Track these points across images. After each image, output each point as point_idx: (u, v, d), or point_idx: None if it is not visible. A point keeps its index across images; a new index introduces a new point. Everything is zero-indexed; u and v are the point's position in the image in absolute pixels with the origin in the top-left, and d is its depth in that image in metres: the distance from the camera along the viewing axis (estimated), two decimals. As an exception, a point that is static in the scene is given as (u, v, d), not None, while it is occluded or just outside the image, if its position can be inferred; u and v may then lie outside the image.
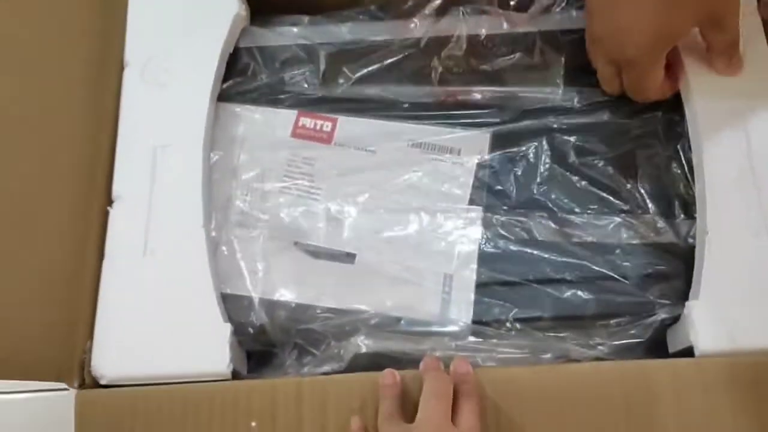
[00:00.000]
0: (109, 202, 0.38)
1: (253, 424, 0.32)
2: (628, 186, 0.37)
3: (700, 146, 0.36)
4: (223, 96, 0.41)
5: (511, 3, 0.41)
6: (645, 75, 0.36)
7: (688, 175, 0.37)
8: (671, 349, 0.36)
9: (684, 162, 0.38)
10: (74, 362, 0.34)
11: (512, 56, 0.40)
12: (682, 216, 0.37)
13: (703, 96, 0.37)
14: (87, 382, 0.34)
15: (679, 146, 0.38)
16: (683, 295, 0.35)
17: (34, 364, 0.33)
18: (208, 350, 0.34)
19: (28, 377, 0.33)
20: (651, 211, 0.37)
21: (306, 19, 0.43)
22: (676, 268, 0.36)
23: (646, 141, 0.38)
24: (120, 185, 0.38)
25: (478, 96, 0.39)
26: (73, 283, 0.36)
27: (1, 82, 0.38)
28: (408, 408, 0.32)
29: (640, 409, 0.32)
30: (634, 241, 0.36)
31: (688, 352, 0.33)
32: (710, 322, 0.33)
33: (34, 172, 0.37)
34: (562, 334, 0.35)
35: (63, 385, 0.34)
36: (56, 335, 0.34)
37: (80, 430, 0.33)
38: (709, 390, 0.32)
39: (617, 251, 0.36)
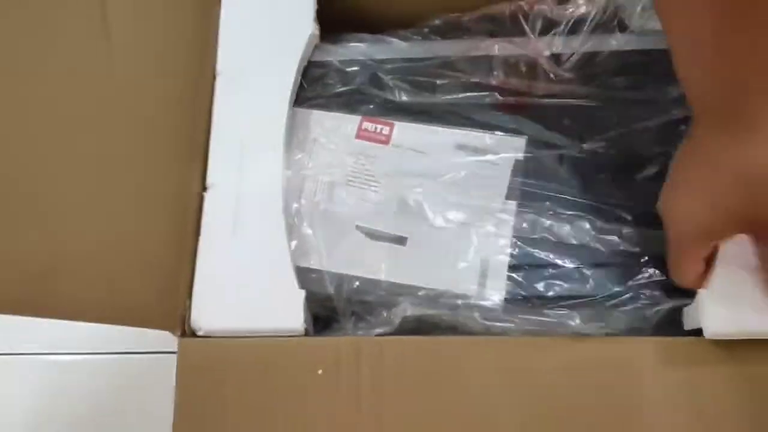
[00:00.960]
0: (204, 188, 0.46)
1: (320, 371, 0.39)
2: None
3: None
4: (298, 102, 0.48)
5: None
6: (672, 263, 0.36)
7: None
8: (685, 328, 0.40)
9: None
10: (176, 317, 0.42)
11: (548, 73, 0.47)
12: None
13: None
14: (188, 332, 0.42)
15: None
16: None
17: (148, 318, 0.41)
18: (286, 311, 0.41)
19: (144, 326, 0.41)
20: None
21: (369, 37, 0.50)
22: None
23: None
24: (213, 175, 0.46)
25: (519, 102, 0.46)
26: (176, 254, 0.43)
27: (116, 85, 0.46)
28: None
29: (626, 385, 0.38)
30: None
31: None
32: (718, 308, 0.36)
33: (142, 163, 0.45)
34: (577, 313, 0.41)
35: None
36: (163, 295, 0.42)
37: (181, 370, 0.40)
38: (696, 367, 0.37)
39: (638, 237, 0.41)
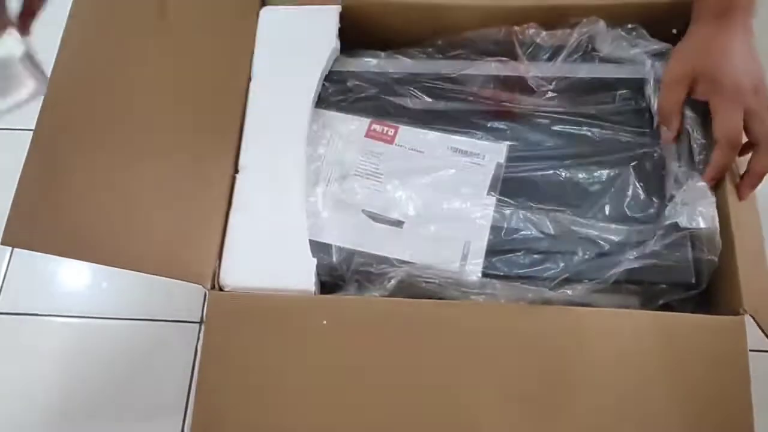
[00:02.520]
0: (236, 170, 0.54)
1: (324, 322, 0.48)
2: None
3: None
4: (319, 104, 0.57)
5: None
6: (661, 95, 0.52)
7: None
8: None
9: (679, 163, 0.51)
10: (209, 274, 0.50)
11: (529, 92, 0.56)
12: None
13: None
14: (216, 287, 0.50)
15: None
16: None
17: (185, 272, 0.50)
18: (300, 274, 0.49)
19: (181, 279, 0.49)
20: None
21: (381, 53, 0.59)
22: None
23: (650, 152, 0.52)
24: (245, 160, 0.54)
25: (504, 110, 0.55)
26: (211, 224, 0.52)
27: (178, 92, 0.55)
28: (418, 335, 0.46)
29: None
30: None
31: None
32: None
33: (190, 147, 0.54)
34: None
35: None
36: (199, 258, 0.51)
37: (210, 317, 0.49)
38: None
39: (606, 222, 0.50)
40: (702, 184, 0.49)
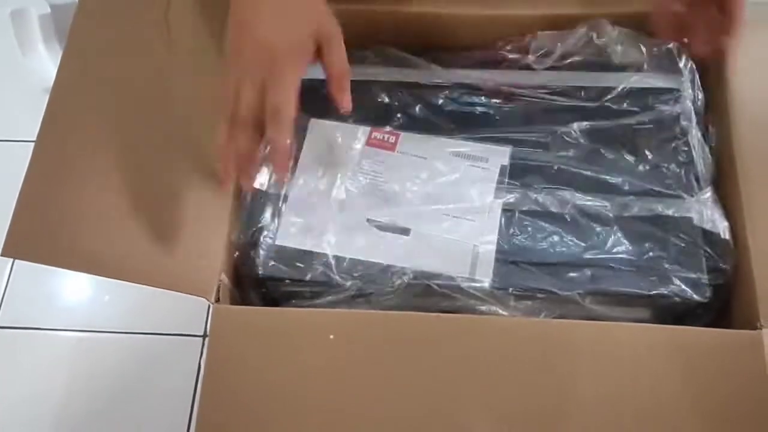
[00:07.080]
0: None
1: (331, 336, 0.47)
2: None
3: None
4: (318, 113, 0.56)
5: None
6: None
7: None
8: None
9: (693, 145, 0.52)
10: (212, 287, 0.49)
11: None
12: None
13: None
14: (220, 300, 0.49)
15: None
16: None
17: (190, 287, 0.49)
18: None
19: (188, 293, 0.48)
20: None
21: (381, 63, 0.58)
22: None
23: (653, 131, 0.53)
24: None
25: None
26: (215, 236, 0.51)
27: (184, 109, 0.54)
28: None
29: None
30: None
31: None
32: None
33: (196, 160, 0.53)
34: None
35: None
36: (203, 271, 0.50)
37: (213, 330, 0.47)
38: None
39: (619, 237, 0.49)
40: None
